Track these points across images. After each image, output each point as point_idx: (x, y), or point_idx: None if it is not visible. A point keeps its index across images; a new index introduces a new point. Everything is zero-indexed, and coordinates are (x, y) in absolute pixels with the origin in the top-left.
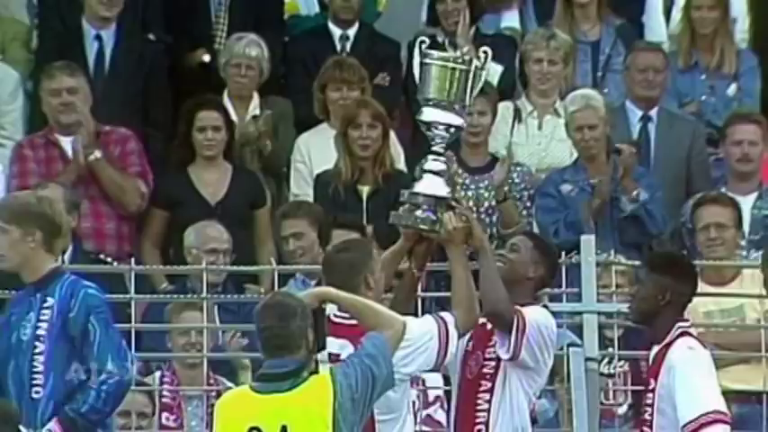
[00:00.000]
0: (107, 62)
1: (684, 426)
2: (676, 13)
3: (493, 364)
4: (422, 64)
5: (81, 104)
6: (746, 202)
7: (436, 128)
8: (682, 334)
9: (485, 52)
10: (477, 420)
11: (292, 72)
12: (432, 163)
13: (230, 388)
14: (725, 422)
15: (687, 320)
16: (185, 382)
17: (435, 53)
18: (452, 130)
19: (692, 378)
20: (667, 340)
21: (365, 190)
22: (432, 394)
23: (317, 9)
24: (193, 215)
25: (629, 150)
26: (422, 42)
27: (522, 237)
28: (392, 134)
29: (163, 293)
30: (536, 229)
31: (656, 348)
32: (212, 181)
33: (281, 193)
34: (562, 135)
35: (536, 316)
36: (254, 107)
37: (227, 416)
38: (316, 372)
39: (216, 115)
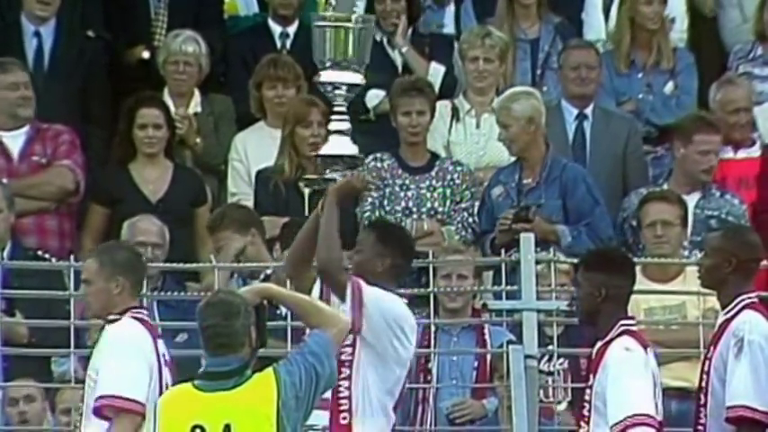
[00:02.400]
0: (46, 59)
1: (612, 426)
2: (615, 11)
3: (349, 350)
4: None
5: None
6: (689, 201)
7: (337, 88)
8: (623, 332)
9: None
10: (341, 408)
11: (233, 69)
12: (336, 123)
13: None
14: (650, 425)
15: (631, 318)
16: None
17: (321, 15)
18: (352, 88)
19: (622, 379)
20: (609, 337)
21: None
22: None
23: (256, 9)
24: (134, 212)
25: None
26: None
27: (364, 232)
28: None
29: None
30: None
31: (598, 344)
32: (153, 178)
33: (222, 191)
34: None
35: (380, 295)
36: (196, 104)
37: (170, 414)
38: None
39: (157, 113)
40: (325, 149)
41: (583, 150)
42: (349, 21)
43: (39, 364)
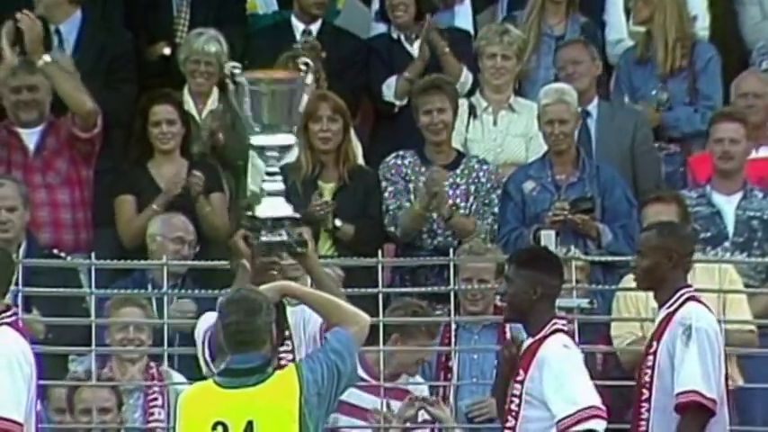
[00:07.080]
0: (69, 55)
1: (561, 421)
2: None
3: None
4: (246, 91)
5: (43, 98)
6: (731, 203)
7: (268, 151)
8: (556, 330)
9: (306, 64)
10: None
11: (254, 66)
12: (269, 184)
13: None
14: (601, 417)
15: (562, 318)
16: (123, 376)
17: (248, 78)
18: (285, 149)
19: (566, 375)
20: (542, 335)
21: (328, 188)
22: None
23: (275, 7)
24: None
25: (580, 219)
26: (234, 68)
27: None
28: (351, 130)
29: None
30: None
31: (528, 341)
32: (171, 175)
33: (240, 186)
34: (517, 130)
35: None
36: (213, 101)
37: (192, 411)
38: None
39: (170, 109)
40: (260, 212)
41: (588, 147)
42: (276, 83)
43: (55, 362)
